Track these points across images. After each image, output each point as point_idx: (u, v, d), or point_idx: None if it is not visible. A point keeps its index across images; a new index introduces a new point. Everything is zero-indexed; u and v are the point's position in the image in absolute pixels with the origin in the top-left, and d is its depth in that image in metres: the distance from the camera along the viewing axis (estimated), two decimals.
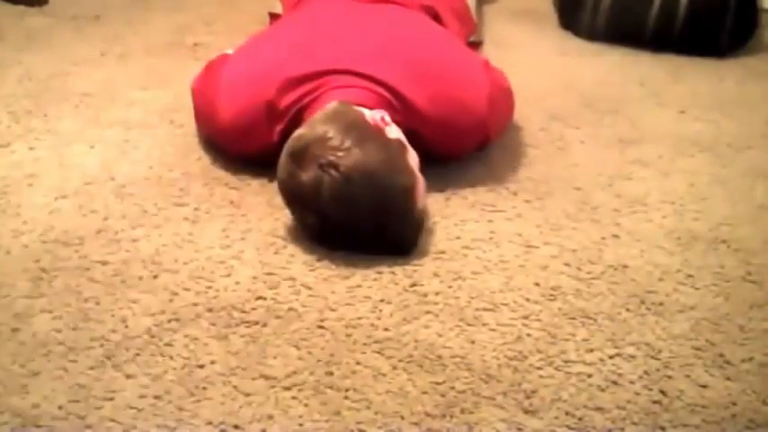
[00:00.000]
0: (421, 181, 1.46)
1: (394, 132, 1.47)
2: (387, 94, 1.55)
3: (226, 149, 1.68)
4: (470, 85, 1.62)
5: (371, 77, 1.56)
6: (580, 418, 1.15)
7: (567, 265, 1.44)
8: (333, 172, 1.36)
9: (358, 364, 1.22)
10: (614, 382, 1.21)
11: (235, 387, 1.18)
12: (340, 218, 1.39)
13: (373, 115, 1.46)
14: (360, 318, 1.31)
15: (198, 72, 1.78)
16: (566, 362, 1.24)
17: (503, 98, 1.71)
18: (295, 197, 1.43)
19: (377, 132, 1.43)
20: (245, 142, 1.61)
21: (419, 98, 1.56)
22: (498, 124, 1.70)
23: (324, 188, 1.37)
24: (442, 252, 1.46)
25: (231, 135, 1.62)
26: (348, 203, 1.37)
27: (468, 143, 1.66)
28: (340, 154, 1.37)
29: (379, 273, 1.40)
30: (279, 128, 1.56)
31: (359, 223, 1.39)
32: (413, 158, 1.48)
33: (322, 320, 1.30)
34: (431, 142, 1.58)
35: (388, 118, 1.48)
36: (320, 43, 1.64)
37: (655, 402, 1.18)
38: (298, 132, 1.45)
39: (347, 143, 1.38)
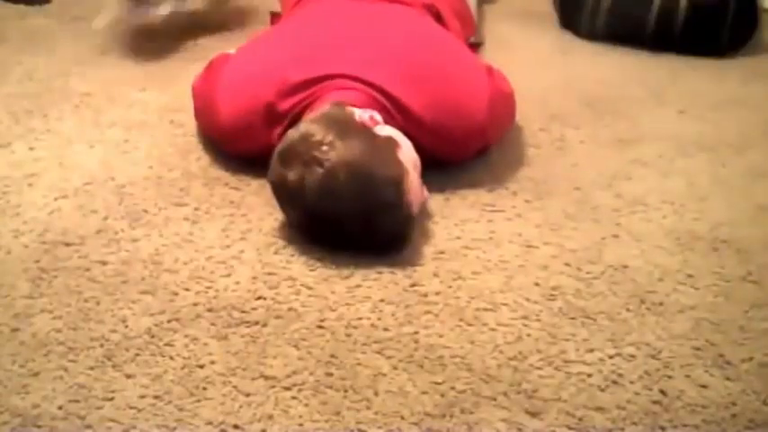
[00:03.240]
0: (412, 176, 1.44)
1: (386, 131, 1.47)
2: (383, 100, 1.55)
3: (225, 149, 1.68)
4: (470, 91, 1.62)
5: (370, 83, 1.56)
6: (580, 418, 1.15)
7: (567, 265, 1.44)
8: (316, 168, 1.36)
9: (358, 364, 1.22)
10: (614, 382, 1.21)
11: (235, 387, 1.18)
12: (326, 213, 1.39)
13: (362, 114, 1.46)
14: (360, 318, 1.31)
15: (199, 72, 1.78)
16: (566, 362, 1.24)
17: (503, 104, 1.71)
18: (283, 197, 1.44)
19: (362, 127, 1.44)
20: (243, 142, 1.62)
21: (417, 104, 1.56)
22: (497, 130, 1.70)
23: (308, 184, 1.37)
24: (442, 252, 1.46)
25: (230, 135, 1.63)
26: (332, 198, 1.37)
27: (466, 148, 1.65)
28: (324, 149, 1.37)
29: (379, 273, 1.40)
30: (278, 131, 1.57)
31: (345, 217, 1.39)
32: (407, 155, 1.47)
33: (322, 320, 1.30)
34: (429, 148, 1.58)
35: (378, 117, 1.48)
36: (321, 46, 1.65)
37: (655, 402, 1.18)
38: (287, 133, 1.45)
39: (329, 138, 1.38)
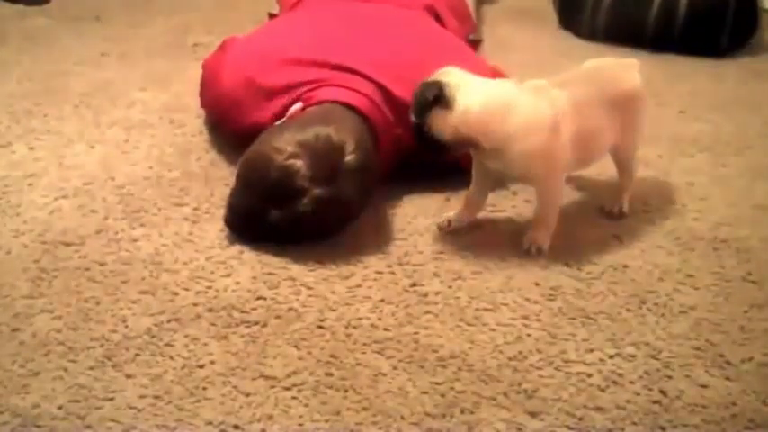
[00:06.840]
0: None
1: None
2: (384, 104, 1.56)
3: (222, 123, 1.72)
4: None
5: (376, 82, 1.56)
6: (580, 418, 1.15)
7: (566, 265, 1.44)
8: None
9: (358, 364, 1.22)
10: (614, 382, 1.21)
11: (235, 387, 1.18)
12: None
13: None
14: (360, 318, 1.31)
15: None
16: (566, 362, 1.24)
17: None
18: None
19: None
20: (239, 114, 1.63)
21: None
22: None
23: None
24: (442, 252, 1.46)
25: (228, 104, 1.65)
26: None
27: None
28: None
29: (379, 273, 1.40)
30: (273, 109, 1.57)
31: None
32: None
33: (322, 320, 1.30)
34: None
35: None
36: (327, 38, 1.67)
37: (655, 402, 1.18)
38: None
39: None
